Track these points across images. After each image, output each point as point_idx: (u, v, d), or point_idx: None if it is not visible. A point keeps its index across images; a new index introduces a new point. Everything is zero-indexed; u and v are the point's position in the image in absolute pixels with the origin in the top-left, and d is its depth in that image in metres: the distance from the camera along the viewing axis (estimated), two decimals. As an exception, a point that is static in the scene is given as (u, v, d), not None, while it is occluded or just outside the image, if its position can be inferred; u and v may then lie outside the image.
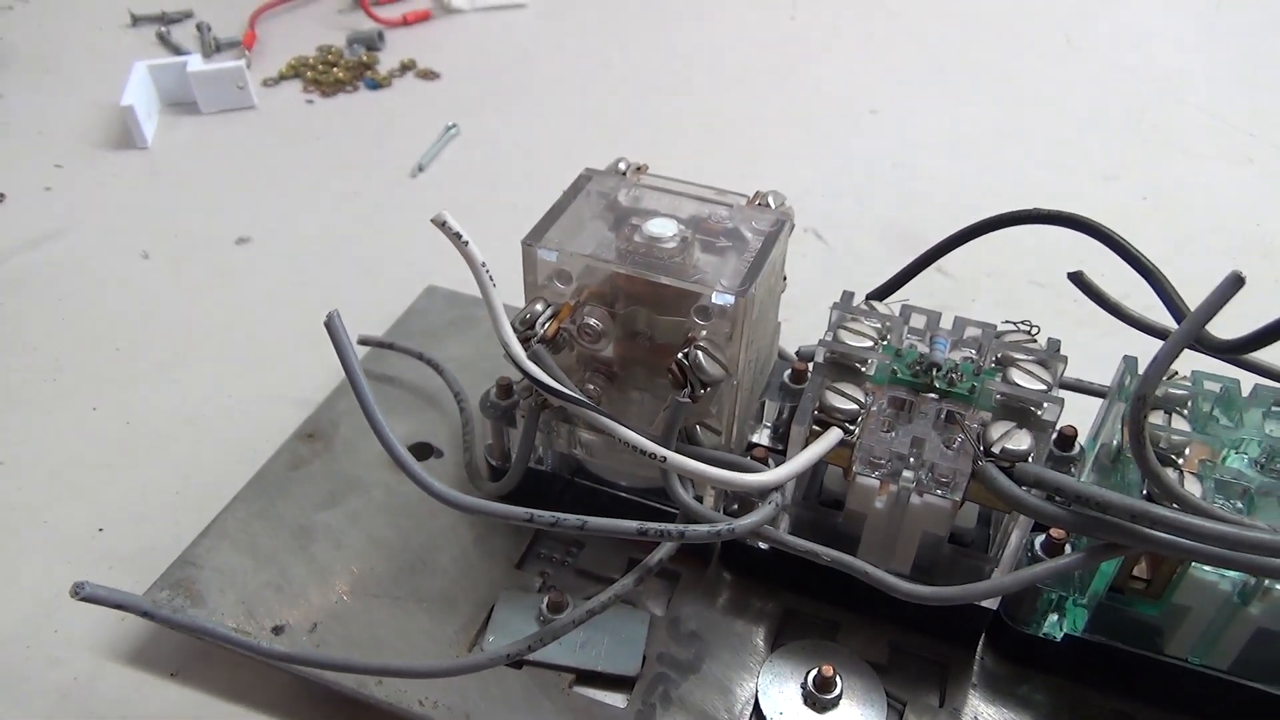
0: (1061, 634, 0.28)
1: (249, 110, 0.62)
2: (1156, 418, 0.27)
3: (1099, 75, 0.68)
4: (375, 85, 0.64)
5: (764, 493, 0.27)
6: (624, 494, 0.32)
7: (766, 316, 0.31)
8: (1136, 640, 0.28)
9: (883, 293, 0.33)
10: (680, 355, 0.27)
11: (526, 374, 0.28)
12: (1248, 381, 0.29)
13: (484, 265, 0.28)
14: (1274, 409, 0.27)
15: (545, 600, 0.30)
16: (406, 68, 0.66)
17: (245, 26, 0.70)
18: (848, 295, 0.31)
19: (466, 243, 0.27)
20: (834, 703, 0.28)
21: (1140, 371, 0.26)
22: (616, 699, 0.29)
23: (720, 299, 0.27)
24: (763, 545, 0.30)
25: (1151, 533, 0.23)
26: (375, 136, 0.59)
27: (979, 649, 0.30)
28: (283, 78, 0.65)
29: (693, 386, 0.27)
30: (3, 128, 0.60)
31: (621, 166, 0.32)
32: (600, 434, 0.28)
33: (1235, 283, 0.22)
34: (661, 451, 0.26)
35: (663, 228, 0.29)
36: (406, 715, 0.28)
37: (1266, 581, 0.25)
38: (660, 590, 0.32)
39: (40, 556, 0.34)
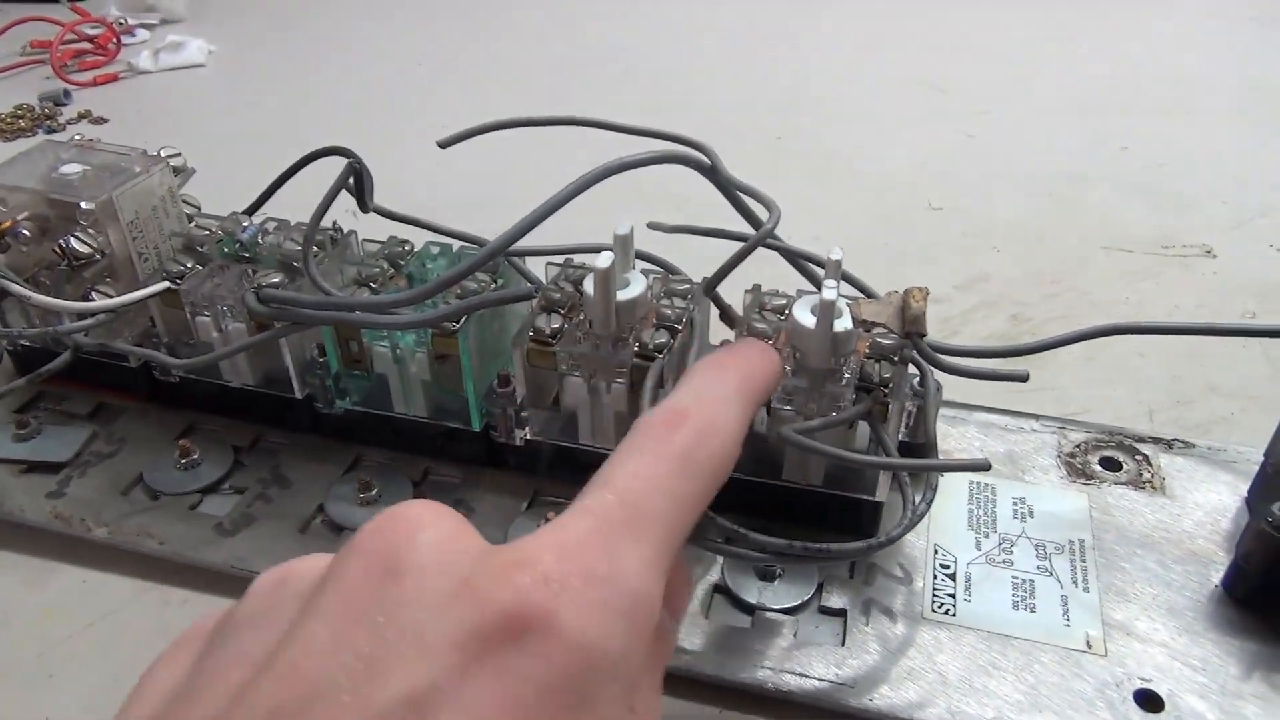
0: (344, 408, 0.44)
1: (-56, 152, 0.76)
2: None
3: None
4: (50, 130, 0.79)
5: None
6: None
7: (155, 225, 0.46)
8: (373, 403, 0.44)
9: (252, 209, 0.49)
10: (60, 240, 0.43)
11: (-31, 263, 0.43)
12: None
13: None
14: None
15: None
16: (83, 116, 0.82)
17: (-42, 92, 0.85)
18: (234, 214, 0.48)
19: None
20: (191, 464, 0.43)
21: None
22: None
23: (86, 205, 0.43)
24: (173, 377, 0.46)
25: (304, 311, 0.39)
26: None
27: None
28: (-20, 128, 0.81)
29: (69, 260, 0.43)
30: None
31: (76, 138, 0.48)
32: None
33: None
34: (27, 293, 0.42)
35: (72, 169, 0.45)
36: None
37: (406, 347, 0.41)
38: (110, 418, 0.47)
39: None
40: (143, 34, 0.98)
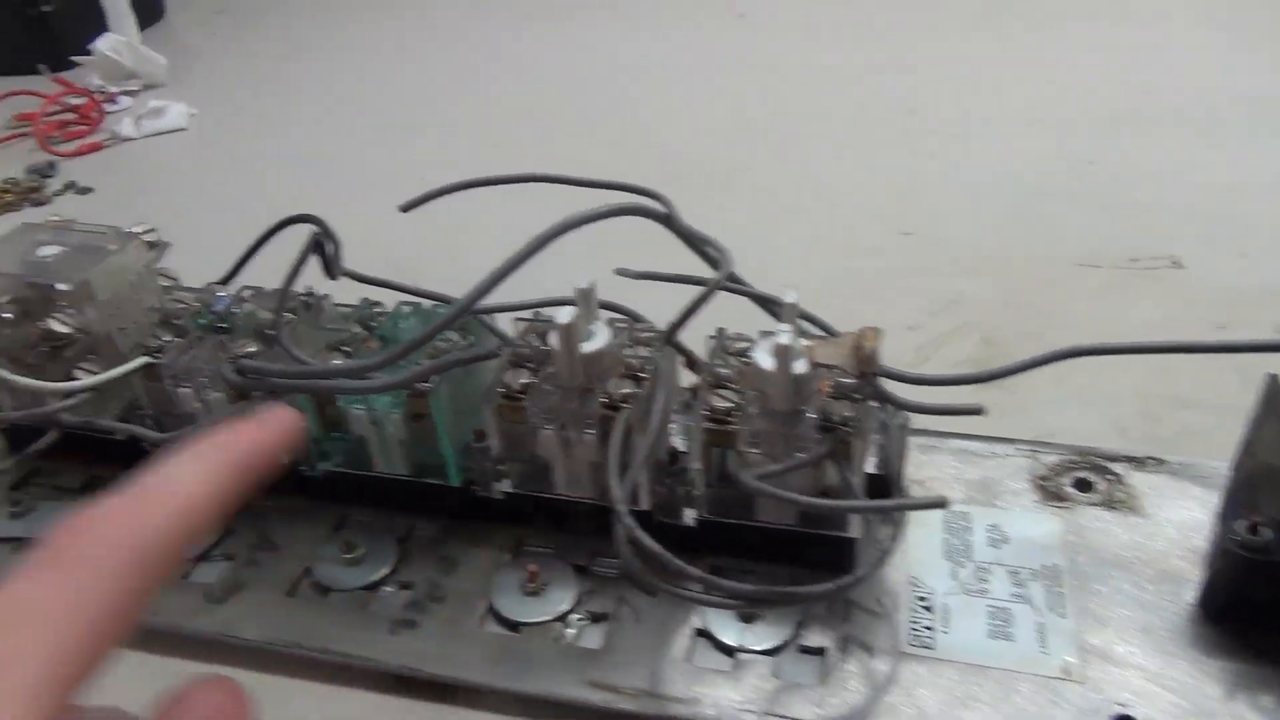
0: (327, 470, 0.45)
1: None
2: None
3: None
4: (38, 204, 0.81)
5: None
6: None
7: (133, 301, 0.47)
8: (355, 463, 0.44)
9: (227, 279, 0.50)
10: (40, 322, 0.44)
11: (-45, 349, 0.44)
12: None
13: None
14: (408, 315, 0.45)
15: None
16: (68, 187, 0.83)
17: (-54, 169, 0.86)
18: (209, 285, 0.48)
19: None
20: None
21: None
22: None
23: (63, 287, 0.44)
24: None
25: (279, 380, 0.40)
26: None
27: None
28: (-31, 205, 0.82)
29: (50, 341, 0.44)
30: None
31: (50, 219, 0.49)
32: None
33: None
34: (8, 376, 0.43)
35: (49, 251, 0.46)
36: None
37: (382, 410, 0.42)
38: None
39: None
40: (126, 101, 0.99)
